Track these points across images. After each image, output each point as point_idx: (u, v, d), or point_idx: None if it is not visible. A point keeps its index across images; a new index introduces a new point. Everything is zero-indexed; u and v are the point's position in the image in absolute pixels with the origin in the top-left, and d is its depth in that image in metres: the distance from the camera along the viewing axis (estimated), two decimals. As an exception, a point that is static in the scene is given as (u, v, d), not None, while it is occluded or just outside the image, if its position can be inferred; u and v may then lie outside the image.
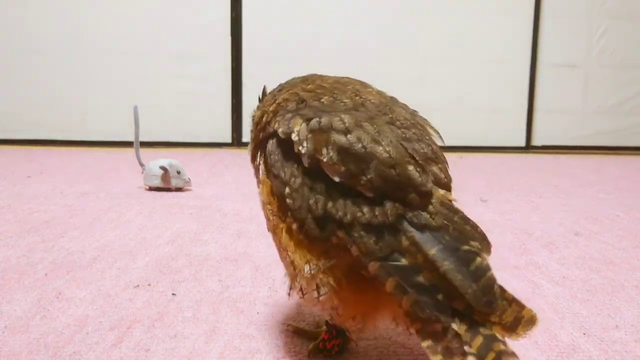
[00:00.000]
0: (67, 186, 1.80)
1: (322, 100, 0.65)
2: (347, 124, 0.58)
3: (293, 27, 3.10)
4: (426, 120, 0.67)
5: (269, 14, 3.08)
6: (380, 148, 0.57)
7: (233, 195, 1.73)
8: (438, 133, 0.65)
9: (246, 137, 3.16)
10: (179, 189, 1.77)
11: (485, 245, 0.56)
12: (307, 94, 0.67)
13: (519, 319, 0.53)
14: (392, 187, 0.56)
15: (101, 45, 3.02)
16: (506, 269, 1.06)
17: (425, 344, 0.53)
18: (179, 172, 1.76)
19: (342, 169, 0.56)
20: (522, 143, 3.25)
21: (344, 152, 0.57)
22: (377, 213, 0.55)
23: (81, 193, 1.69)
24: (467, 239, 0.55)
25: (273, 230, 0.65)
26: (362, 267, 0.56)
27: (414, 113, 0.67)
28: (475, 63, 3.18)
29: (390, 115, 0.62)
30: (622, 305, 0.89)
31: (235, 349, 0.71)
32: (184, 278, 0.97)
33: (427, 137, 0.62)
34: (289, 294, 0.66)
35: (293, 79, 0.75)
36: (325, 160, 0.57)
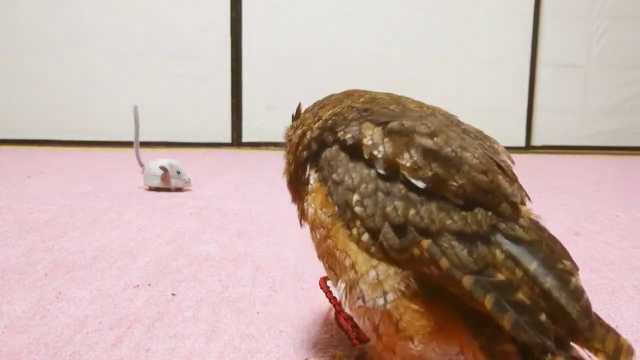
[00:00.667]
0: (67, 186, 1.80)
1: (390, 107, 0.61)
2: (432, 128, 0.54)
3: (293, 27, 3.10)
4: (494, 139, 0.63)
5: (269, 14, 3.08)
6: (469, 154, 0.53)
7: (233, 195, 1.73)
8: (508, 155, 0.60)
9: (246, 137, 3.16)
10: (179, 189, 1.77)
11: (575, 266, 0.51)
12: (366, 105, 0.62)
13: (620, 347, 0.49)
14: (483, 195, 0.51)
15: (101, 45, 3.03)
16: (506, 269, 1.06)
17: None
18: (179, 172, 1.76)
19: (429, 173, 0.52)
20: (522, 143, 3.25)
21: (431, 156, 0.52)
22: (469, 221, 0.51)
23: (81, 193, 1.69)
24: (559, 257, 0.50)
25: (326, 236, 0.59)
26: (450, 283, 0.50)
27: (480, 131, 0.63)
28: (475, 63, 3.18)
29: (463, 127, 0.59)
30: (622, 305, 0.89)
31: (235, 349, 0.71)
32: (184, 278, 0.97)
33: (502, 152, 0.59)
34: (342, 304, 0.60)
35: (331, 95, 0.70)
36: (407, 165, 0.53)
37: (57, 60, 3.01)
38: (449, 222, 0.51)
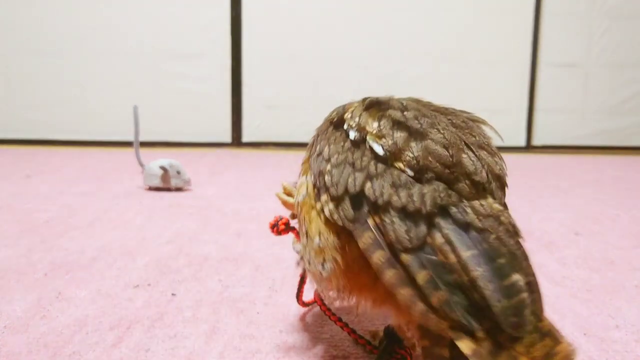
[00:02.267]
0: (67, 186, 1.80)
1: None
2: (405, 104, 0.56)
3: (293, 26, 3.10)
4: (478, 118, 0.62)
5: (269, 14, 3.08)
6: (435, 130, 0.53)
7: (233, 195, 1.73)
8: (496, 131, 0.61)
9: (246, 137, 3.16)
10: (178, 189, 1.77)
11: (525, 265, 0.49)
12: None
13: (551, 355, 0.45)
14: (441, 168, 0.51)
15: (101, 45, 3.03)
16: (506, 268, 1.06)
17: None
18: (178, 172, 1.76)
19: (389, 141, 0.53)
20: (522, 143, 3.25)
21: (397, 126, 0.54)
22: (415, 199, 0.50)
23: (81, 193, 1.69)
24: (507, 252, 0.49)
25: (302, 205, 0.62)
26: (396, 256, 0.50)
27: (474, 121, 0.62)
28: (475, 63, 3.18)
29: (450, 117, 0.58)
30: (622, 305, 0.89)
31: (235, 349, 0.71)
32: (184, 278, 0.97)
33: (478, 129, 0.58)
34: (297, 263, 0.64)
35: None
36: (373, 132, 0.54)
37: (57, 60, 3.01)
38: (395, 198, 0.51)
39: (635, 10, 3.21)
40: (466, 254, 0.48)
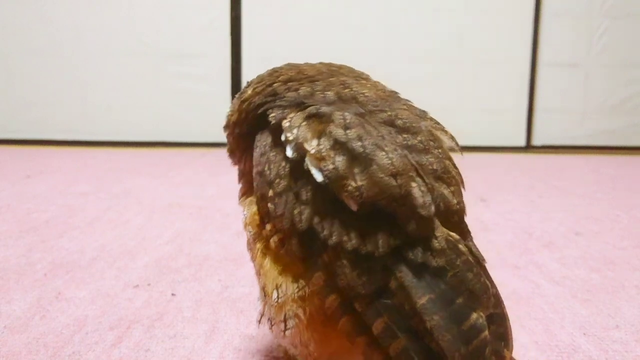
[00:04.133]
0: (67, 186, 1.80)
1: (299, 91, 0.56)
2: (348, 120, 0.49)
3: (293, 27, 3.10)
4: (437, 122, 0.56)
5: (269, 14, 3.08)
6: (382, 153, 0.46)
7: (233, 195, 1.73)
8: (454, 139, 0.55)
9: (246, 137, 3.16)
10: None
11: (485, 299, 0.46)
12: (280, 86, 0.58)
13: None
14: (387, 201, 0.45)
15: (101, 45, 3.02)
16: (506, 268, 1.06)
17: None
18: None
19: (330, 166, 0.46)
20: (522, 143, 3.24)
21: (339, 147, 0.47)
22: (366, 240, 0.46)
23: (81, 193, 1.69)
24: (467, 288, 0.45)
25: (252, 247, 0.57)
26: (350, 302, 0.47)
27: (421, 114, 0.56)
28: (475, 63, 3.17)
29: (389, 113, 0.52)
30: (622, 305, 0.89)
31: (235, 349, 0.71)
32: (184, 278, 0.97)
33: (437, 149, 0.51)
34: (258, 322, 0.57)
35: (266, 71, 0.65)
36: (312, 152, 0.48)
37: (57, 60, 3.01)
38: (345, 238, 0.46)
39: (635, 10, 3.21)
40: (421, 300, 0.44)
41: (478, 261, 0.48)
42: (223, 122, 0.68)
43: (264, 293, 0.54)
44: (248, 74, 3.09)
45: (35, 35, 2.98)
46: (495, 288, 0.48)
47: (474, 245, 0.50)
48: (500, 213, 1.54)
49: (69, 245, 1.15)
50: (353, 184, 0.46)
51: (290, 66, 0.63)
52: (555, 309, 0.86)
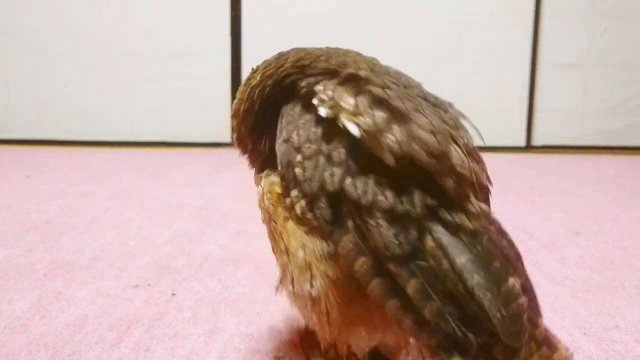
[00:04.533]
0: (67, 186, 1.80)
1: (330, 61, 0.56)
2: (387, 82, 0.49)
3: (293, 26, 3.10)
4: (462, 113, 0.56)
5: (269, 14, 3.08)
6: (421, 115, 0.46)
7: (233, 195, 1.73)
8: (477, 131, 0.54)
9: (246, 137, 3.16)
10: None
11: (520, 267, 0.46)
12: (304, 60, 0.58)
13: None
14: (426, 157, 0.44)
15: (101, 45, 3.02)
16: (506, 268, 1.06)
17: None
18: None
19: (368, 119, 0.45)
20: (522, 143, 3.24)
21: (377, 104, 0.46)
22: (403, 199, 0.45)
23: (81, 193, 1.69)
24: (501, 254, 0.45)
25: (272, 212, 0.54)
26: (382, 263, 0.45)
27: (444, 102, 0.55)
28: (475, 63, 3.17)
29: (420, 90, 0.52)
30: (622, 305, 0.89)
31: (235, 349, 0.71)
32: (184, 278, 0.97)
33: (464, 131, 0.52)
34: (277, 289, 0.56)
35: (272, 56, 0.64)
36: (349, 108, 0.47)
37: (57, 60, 3.01)
38: (380, 198, 0.45)
39: (635, 10, 3.21)
40: (460, 259, 0.43)
41: (505, 232, 0.49)
42: (229, 113, 0.66)
43: (287, 255, 0.51)
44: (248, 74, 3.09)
45: (35, 35, 2.98)
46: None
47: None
48: (500, 213, 1.54)
49: (69, 245, 1.15)
50: (392, 137, 0.45)
51: (297, 49, 0.63)
52: (555, 309, 0.86)
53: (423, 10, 3.12)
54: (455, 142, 0.47)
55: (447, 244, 0.44)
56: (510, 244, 0.47)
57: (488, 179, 0.52)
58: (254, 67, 0.64)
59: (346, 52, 0.61)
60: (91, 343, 0.72)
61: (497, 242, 0.45)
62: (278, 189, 0.53)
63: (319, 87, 0.51)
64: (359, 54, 0.61)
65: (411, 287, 0.44)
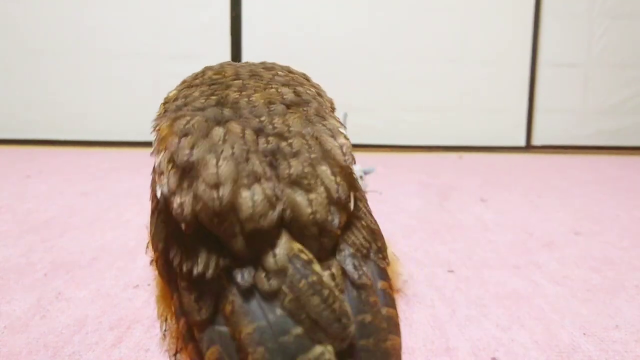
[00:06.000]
0: (67, 186, 1.80)
1: (186, 98, 0.55)
2: (189, 125, 0.45)
3: (293, 27, 3.10)
4: (337, 128, 0.50)
5: (269, 14, 3.08)
6: (214, 161, 0.41)
7: (233, 195, 1.73)
8: (343, 148, 0.46)
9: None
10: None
11: (338, 329, 0.38)
12: (181, 91, 0.59)
13: None
14: (207, 221, 0.41)
15: (101, 45, 3.02)
16: (506, 268, 1.06)
17: None
18: (361, 177, 1.54)
19: (164, 181, 0.44)
20: (522, 143, 3.24)
21: (172, 161, 0.44)
22: (199, 261, 0.41)
23: (81, 193, 1.69)
24: (307, 317, 0.38)
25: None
26: (190, 327, 0.43)
27: (318, 120, 0.49)
28: (475, 63, 3.17)
29: (263, 119, 0.47)
30: (622, 305, 0.89)
31: (235, 349, 0.71)
32: (184, 278, 0.97)
33: (313, 154, 0.45)
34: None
35: (199, 70, 0.65)
36: (156, 166, 0.46)
37: (57, 60, 3.01)
38: (182, 259, 0.43)
39: (635, 10, 3.21)
40: (247, 329, 0.38)
41: (353, 282, 0.41)
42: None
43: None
44: (248, 74, 3.09)
45: (35, 35, 2.98)
46: (381, 317, 0.41)
47: (356, 261, 0.43)
48: (500, 213, 1.54)
49: (69, 245, 1.15)
50: (178, 200, 0.42)
51: (220, 66, 0.61)
52: (555, 309, 0.86)
53: (423, 10, 3.12)
54: (260, 182, 0.41)
55: (238, 311, 0.40)
56: (328, 301, 0.39)
57: (321, 210, 0.42)
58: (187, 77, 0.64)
59: (257, 73, 0.58)
60: (91, 343, 0.72)
61: (303, 303, 0.38)
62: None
63: (153, 135, 0.52)
64: (275, 74, 0.59)
65: (209, 355, 0.40)
